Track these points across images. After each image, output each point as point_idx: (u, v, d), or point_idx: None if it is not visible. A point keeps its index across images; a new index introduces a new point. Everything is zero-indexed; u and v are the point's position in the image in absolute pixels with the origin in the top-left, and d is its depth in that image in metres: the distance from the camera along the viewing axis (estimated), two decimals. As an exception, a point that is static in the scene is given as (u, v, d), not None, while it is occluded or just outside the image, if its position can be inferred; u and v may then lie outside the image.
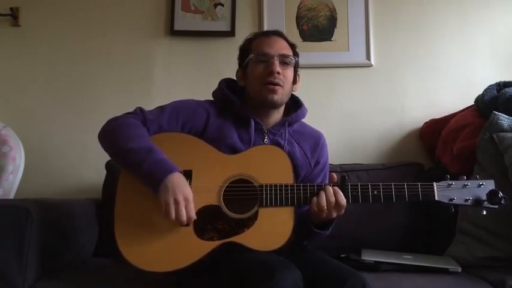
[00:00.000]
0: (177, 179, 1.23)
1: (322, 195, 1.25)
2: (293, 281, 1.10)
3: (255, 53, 1.41)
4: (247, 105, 1.44)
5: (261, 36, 1.47)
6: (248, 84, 1.44)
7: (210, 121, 1.40)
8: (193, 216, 1.23)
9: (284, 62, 1.41)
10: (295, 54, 1.47)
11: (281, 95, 1.40)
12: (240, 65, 1.49)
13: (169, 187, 1.21)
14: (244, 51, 1.47)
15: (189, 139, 1.36)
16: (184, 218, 1.21)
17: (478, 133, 1.80)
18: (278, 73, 1.38)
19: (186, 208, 1.21)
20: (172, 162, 1.26)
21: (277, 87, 1.38)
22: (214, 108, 1.43)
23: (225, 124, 1.40)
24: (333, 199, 1.24)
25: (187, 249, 1.24)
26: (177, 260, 1.23)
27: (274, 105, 1.42)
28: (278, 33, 1.47)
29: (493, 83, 1.96)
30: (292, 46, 1.47)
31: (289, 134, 1.47)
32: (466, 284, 1.45)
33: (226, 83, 1.49)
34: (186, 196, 1.21)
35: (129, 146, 1.27)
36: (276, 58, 1.39)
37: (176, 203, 1.20)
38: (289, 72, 1.42)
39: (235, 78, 1.52)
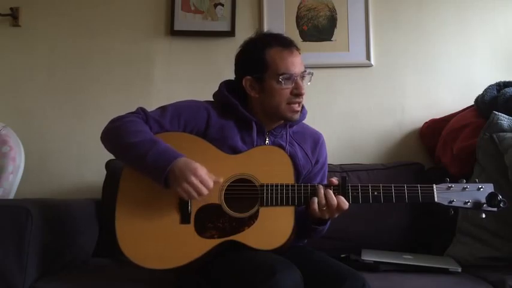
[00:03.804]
0: (182, 163, 1.23)
1: (322, 196, 1.25)
2: (294, 281, 1.10)
3: (279, 72, 1.34)
4: (248, 107, 1.43)
5: (280, 48, 1.37)
6: (264, 98, 1.39)
7: (211, 121, 1.39)
8: (211, 185, 1.24)
9: (302, 77, 1.39)
10: None
11: (298, 112, 1.41)
12: (248, 72, 1.39)
13: (177, 174, 1.21)
14: (258, 60, 1.37)
15: (191, 138, 1.37)
16: (204, 192, 1.22)
17: (478, 133, 1.80)
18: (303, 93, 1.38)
19: (201, 182, 1.22)
20: (176, 150, 1.26)
21: (300, 107, 1.40)
22: (215, 109, 1.43)
23: (227, 125, 1.40)
24: (334, 202, 1.24)
25: (187, 247, 1.24)
26: (178, 258, 1.23)
27: (292, 122, 1.43)
28: (295, 45, 1.41)
29: (493, 83, 1.97)
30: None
31: (290, 135, 1.47)
32: (466, 284, 1.45)
33: (226, 85, 1.47)
34: (194, 171, 1.21)
35: (131, 140, 1.27)
36: (299, 77, 1.37)
37: (191, 184, 1.21)
38: (305, 84, 1.41)
39: (233, 79, 1.50)
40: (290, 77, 1.35)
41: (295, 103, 1.38)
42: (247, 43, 1.45)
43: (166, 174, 1.22)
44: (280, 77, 1.35)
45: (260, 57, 1.37)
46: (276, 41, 1.39)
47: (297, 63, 1.37)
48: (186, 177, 1.21)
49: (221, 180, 1.28)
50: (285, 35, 1.44)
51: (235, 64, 1.46)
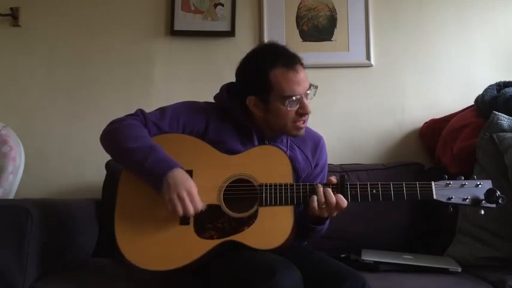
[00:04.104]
0: (178, 175, 1.23)
1: (321, 194, 1.25)
2: (293, 281, 1.10)
3: (285, 94, 1.31)
4: (249, 114, 1.41)
5: (285, 69, 1.31)
6: (270, 118, 1.36)
7: (210, 124, 1.39)
8: (199, 207, 1.24)
9: (307, 95, 1.36)
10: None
11: (302, 129, 1.39)
12: (252, 92, 1.35)
13: (171, 184, 1.22)
14: (262, 82, 1.32)
15: (189, 140, 1.36)
16: (191, 211, 1.22)
17: (478, 133, 1.80)
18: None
19: (191, 201, 1.22)
20: (174, 159, 1.27)
21: (305, 123, 1.39)
22: (215, 111, 1.42)
23: (226, 129, 1.39)
24: (333, 200, 1.24)
25: (187, 248, 1.24)
26: (177, 259, 1.23)
27: (297, 137, 1.43)
28: (299, 61, 1.35)
29: (493, 83, 1.97)
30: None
31: (290, 139, 1.47)
32: (466, 284, 1.45)
33: (228, 88, 1.45)
34: (189, 189, 1.22)
35: (130, 145, 1.27)
36: (304, 96, 1.34)
37: (180, 198, 1.21)
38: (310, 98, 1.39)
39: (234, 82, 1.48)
40: (296, 100, 1.32)
41: (300, 121, 1.37)
42: (250, 60, 1.39)
43: (161, 186, 1.23)
44: (286, 100, 1.31)
45: (264, 78, 1.32)
46: (279, 60, 1.32)
47: (301, 81, 1.32)
48: (180, 194, 1.21)
49: (205, 207, 1.26)
50: (287, 48, 1.38)
51: (236, 76, 1.42)
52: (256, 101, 1.36)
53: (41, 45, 2.26)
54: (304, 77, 1.34)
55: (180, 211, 1.22)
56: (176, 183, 1.22)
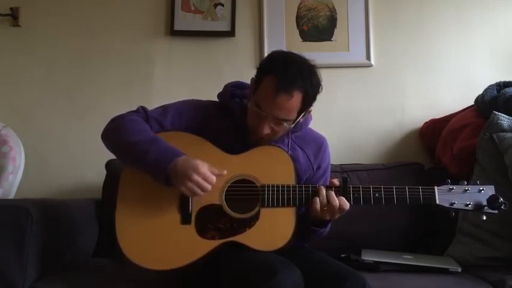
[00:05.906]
0: (183, 161, 1.22)
1: (324, 196, 1.25)
2: (294, 281, 1.10)
3: (257, 99, 1.28)
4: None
5: (274, 85, 1.24)
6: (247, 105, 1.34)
7: (212, 123, 1.39)
8: (214, 180, 1.23)
9: (278, 122, 1.29)
10: (305, 106, 1.31)
11: (268, 141, 1.36)
12: (256, 74, 1.33)
13: (179, 172, 1.21)
14: (262, 72, 1.30)
15: (192, 138, 1.36)
16: (208, 187, 1.22)
17: (478, 133, 1.80)
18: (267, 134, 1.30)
19: (204, 179, 1.21)
20: (176, 148, 1.26)
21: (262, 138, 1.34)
22: (217, 110, 1.42)
23: (226, 128, 1.39)
24: (336, 203, 1.24)
25: (188, 248, 1.24)
26: (178, 259, 1.23)
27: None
28: (289, 90, 1.23)
29: (493, 83, 1.97)
30: (304, 100, 1.28)
31: (292, 140, 1.46)
32: (466, 284, 1.45)
33: (232, 87, 1.44)
34: (197, 169, 1.21)
35: (132, 139, 1.27)
36: (269, 118, 1.27)
37: (193, 181, 1.20)
38: (283, 128, 1.31)
39: (240, 81, 1.48)
40: (258, 111, 1.27)
41: (256, 131, 1.31)
42: (277, 54, 1.35)
43: (167, 173, 1.22)
44: (252, 104, 1.29)
45: (261, 74, 1.30)
46: (280, 73, 1.25)
47: (275, 105, 1.25)
48: (189, 175, 1.20)
49: (225, 172, 1.27)
50: (296, 70, 1.27)
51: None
52: (252, 82, 1.33)
53: (41, 45, 2.25)
54: (286, 105, 1.25)
55: (199, 192, 1.21)
56: (183, 170, 1.20)
